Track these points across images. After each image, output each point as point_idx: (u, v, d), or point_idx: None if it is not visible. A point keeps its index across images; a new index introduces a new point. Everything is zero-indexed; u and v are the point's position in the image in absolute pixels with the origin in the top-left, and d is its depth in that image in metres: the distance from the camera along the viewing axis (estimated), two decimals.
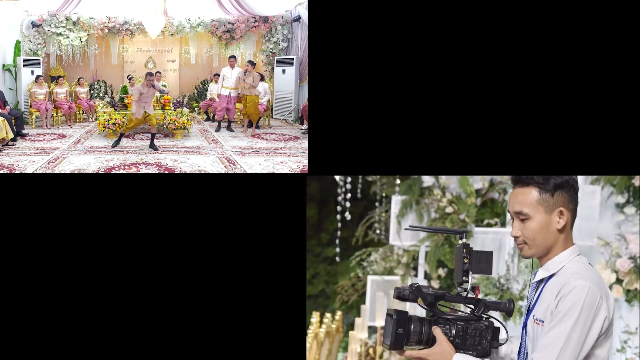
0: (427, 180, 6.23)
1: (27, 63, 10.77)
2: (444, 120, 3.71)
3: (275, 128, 10.78)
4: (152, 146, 8.19)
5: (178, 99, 10.66)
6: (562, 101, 3.69)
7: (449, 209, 5.93)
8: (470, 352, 2.08)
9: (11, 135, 8.40)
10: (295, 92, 11.66)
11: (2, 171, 6.86)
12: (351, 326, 7.37)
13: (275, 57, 12.00)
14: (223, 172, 6.95)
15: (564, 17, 3.64)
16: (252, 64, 9.77)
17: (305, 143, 8.95)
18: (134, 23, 11.91)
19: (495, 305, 2.11)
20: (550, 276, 2.06)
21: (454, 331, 2.09)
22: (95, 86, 12.38)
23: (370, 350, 6.25)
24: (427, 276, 6.29)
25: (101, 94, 11.89)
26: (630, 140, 3.65)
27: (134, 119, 8.17)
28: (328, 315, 6.98)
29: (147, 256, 3.71)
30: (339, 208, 6.96)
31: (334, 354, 6.88)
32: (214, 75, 11.64)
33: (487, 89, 3.69)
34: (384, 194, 7.00)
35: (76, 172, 6.86)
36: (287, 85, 11.71)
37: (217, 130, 10.19)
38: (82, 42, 11.67)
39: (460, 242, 2.13)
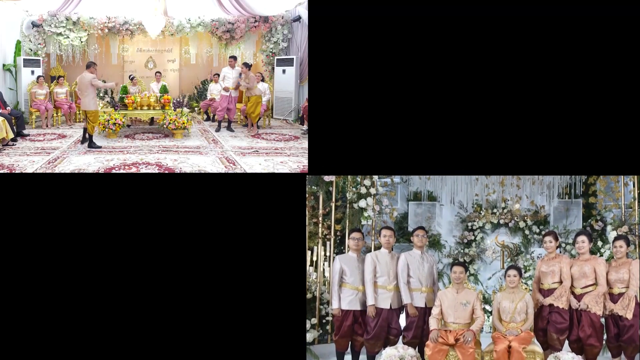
0: None
1: (27, 63, 10.77)
2: (443, 121, 3.72)
3: (275, 128, 10.78)
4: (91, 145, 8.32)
5: (178, 99, 10.65)
6: (561, 105, 3.70)
7: None
8: None
9: (11, 135, 8.41)
10: (295, 92, 11.66)
11: (2, 171, 6.85)
12: None
13: (275, 57, 12.00)
14: (223, 172, 6.95)
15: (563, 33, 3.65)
16: (247, 66, 9.75)
17: (305, 143, 8.95)
18: (134, 23, 11.90)
19: None
20: None
21: None
22: None
23: None
24: None
25: (101, 94, 11.87)
26: (628, 141, 3.66)
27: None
28: None
29: (148, 255, 3.72)
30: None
31: None
32: (214, 75, 11.63)
33: (484, 92, 3.70)
34: None
35: (76, 172, 6.85)
36: (287, 85, 11.70)
37: (217, 130, 10.19)
38: (82, 42, 11.67)
39: None
